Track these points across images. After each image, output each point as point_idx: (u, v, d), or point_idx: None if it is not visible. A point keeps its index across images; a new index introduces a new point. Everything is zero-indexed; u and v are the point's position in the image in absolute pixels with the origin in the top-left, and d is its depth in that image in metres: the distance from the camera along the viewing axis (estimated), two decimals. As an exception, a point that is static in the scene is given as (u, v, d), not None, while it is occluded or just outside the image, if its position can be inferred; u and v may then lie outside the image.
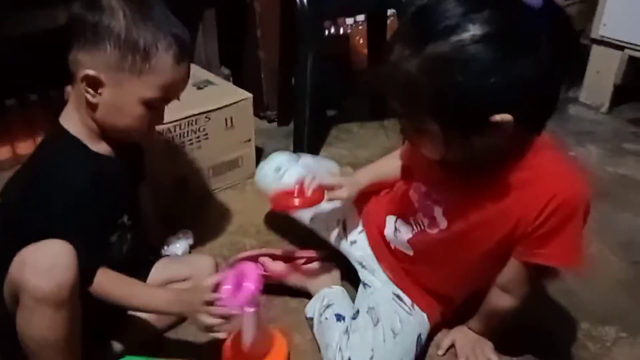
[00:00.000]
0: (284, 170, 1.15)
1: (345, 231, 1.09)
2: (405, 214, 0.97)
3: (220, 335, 0.94)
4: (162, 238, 1.16)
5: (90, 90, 0.84)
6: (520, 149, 0.81)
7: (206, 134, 1.33)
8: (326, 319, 0.99)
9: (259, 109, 1.68)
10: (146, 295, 0.90)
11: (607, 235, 1.29)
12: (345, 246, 1.09)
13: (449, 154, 0.79)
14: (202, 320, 0.86)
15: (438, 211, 0.90)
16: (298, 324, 1.05)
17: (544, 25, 0.72)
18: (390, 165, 1.05)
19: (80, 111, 0.88)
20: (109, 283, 0.87)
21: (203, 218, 1.33)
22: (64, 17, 1.26)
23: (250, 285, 0.87)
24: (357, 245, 1.07)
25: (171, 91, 0.89)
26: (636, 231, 1.32)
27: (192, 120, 1.29)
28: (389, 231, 1.02)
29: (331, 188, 1.01)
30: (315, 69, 1.46)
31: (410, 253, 0.99)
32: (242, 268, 0.90)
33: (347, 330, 0.94)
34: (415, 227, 0.96)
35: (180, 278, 1.03)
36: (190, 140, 1.31)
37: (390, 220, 1.01)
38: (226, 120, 1.35)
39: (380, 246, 1.04)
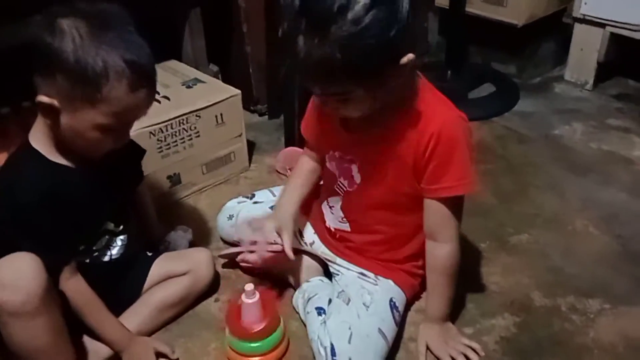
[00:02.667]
0: (235, 217, 1.21)
1: (303, 238, 1.14)
2: (330, 186, 1.05)
3: None
4: (161, 235, 1.19)
5: (46, 114, 0.82)
6: (406, 95, 0.91)
7: (197, 132, 1.36)
8: (308, 312, 1.02)
9: (249, 104, 1.71)
10: (105, 320, 0.93)
11: (591, 210, 1.34)
12: (308, 249, 1.14)
13: (376, 104, 0.88)
14: None
15: (354, 169, 0.99)
16: (292, 312, 1.08)
17: None
18: (304, 169, 1.10)
19: (45, 127, 0.86)
20: (79, 296, 0.90)
21: (198, 214, 1.37)
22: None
23: None
24: (315, 245, 1.12)
25: (129, 116, 0.85)
26: (619, 206, 1.36)
27: (183, 119, 1.32)
28: (327, 215, 1.09)
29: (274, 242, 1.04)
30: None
31: (348, 228, 1.05)
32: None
33: (324, 320, 0.97)
34: (340, 192, 1.03)
35: (179, 272, 1.06)
36: (182, 138, 1.34)
37: (325, 205, 1.08)
38: (216, 117, 1.38)
39: (327, 238, 1.10)
